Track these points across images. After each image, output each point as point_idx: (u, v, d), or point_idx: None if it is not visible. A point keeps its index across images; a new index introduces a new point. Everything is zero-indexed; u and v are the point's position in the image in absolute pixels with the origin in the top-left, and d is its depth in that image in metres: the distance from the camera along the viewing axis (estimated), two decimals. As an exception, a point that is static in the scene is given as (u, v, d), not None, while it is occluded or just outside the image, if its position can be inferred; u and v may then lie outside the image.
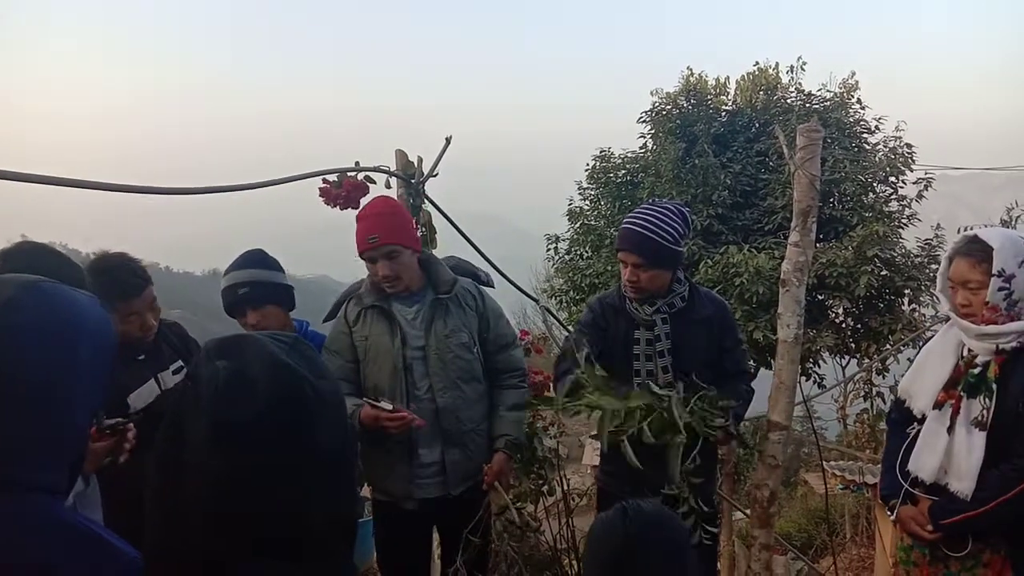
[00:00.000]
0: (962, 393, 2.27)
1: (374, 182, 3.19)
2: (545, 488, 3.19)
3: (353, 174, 3.14)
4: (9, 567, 1.01)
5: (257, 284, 2.76)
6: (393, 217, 2.74)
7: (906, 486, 2.38)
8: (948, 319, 2.44)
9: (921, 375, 2.45)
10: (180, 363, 2.67)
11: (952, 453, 2.26)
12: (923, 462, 2.33)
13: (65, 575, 1.04)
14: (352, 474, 1.07)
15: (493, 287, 3.07)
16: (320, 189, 3.12)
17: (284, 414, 0.92)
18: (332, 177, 3.12)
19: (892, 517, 2.45)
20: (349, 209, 3.19)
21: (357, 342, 2.74)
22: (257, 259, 2.81)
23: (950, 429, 2.26)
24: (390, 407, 2.52)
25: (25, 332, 1.06)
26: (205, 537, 0.90)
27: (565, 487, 3.18)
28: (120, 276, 2.43)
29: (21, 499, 1.04)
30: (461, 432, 2.72)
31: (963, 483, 2.22)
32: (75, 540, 1.08)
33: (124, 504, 2.15)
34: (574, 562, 3.08)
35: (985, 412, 2.20)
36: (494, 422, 2.83)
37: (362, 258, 2.71)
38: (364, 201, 3.20)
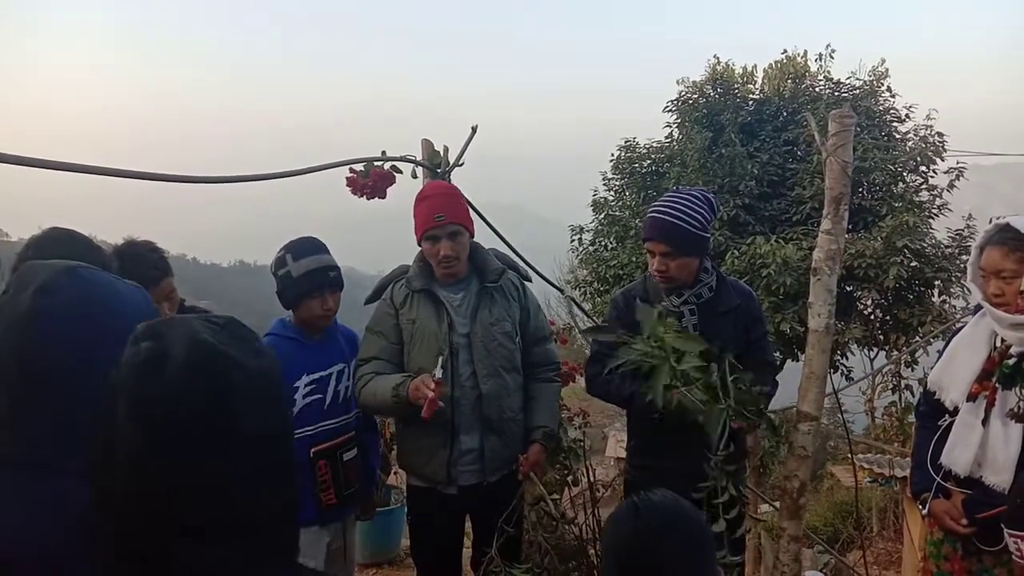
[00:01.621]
0: (997, 384, 2.23)
1: (400, 172, 3.19)
2: (570, 479, 3.19)
3: (379, 164, 3.14)
4: (43, 550, 1.01)
5: (339, 270, 2.81)
6: (456, 198, 2.78)
7: (938, 480, 2.35)
8: (976, 310, 2.40)
9: (952, 366, 2.40)
10: None
11: (987, 446, 2.22)
12: (957, 455, 2.29)
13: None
14: (289, 457, 1.04)
15: (531, 281, 3.08)
16: (347, 179, 3.13)
17: (201, 390, 0.91)
18: (359, 167, 3.13)
19: (924, 512, 2.41)
20: (376, 199, 3.20)
21: (403, 324, 2.74)
22: (324, 246, 2.81)
23: (985, 421, 2.22)
24: (439, 374, 2.51)
25: (57, 315, 1.06)
26: (134, 518, 0.90)
27: (591, 477, 3.17)
28: (137, 264, 2.45)
29: (55, 482, 1.05)
30: (502, 420, 2.73)
31: (999, 476, 2.18)
32: None
33: None
34: (600, 553, 3.07)
35: (1021, 403, 2.16)
36: (531, 413, 2.85)
37: (423, 238, 2.71)
38: (390, 192, 3.21)
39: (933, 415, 2.46)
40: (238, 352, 0.96)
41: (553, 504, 2.87)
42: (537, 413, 2.85)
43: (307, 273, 2.69)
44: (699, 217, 2.61)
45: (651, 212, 2.67)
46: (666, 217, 2.60)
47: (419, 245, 2.76)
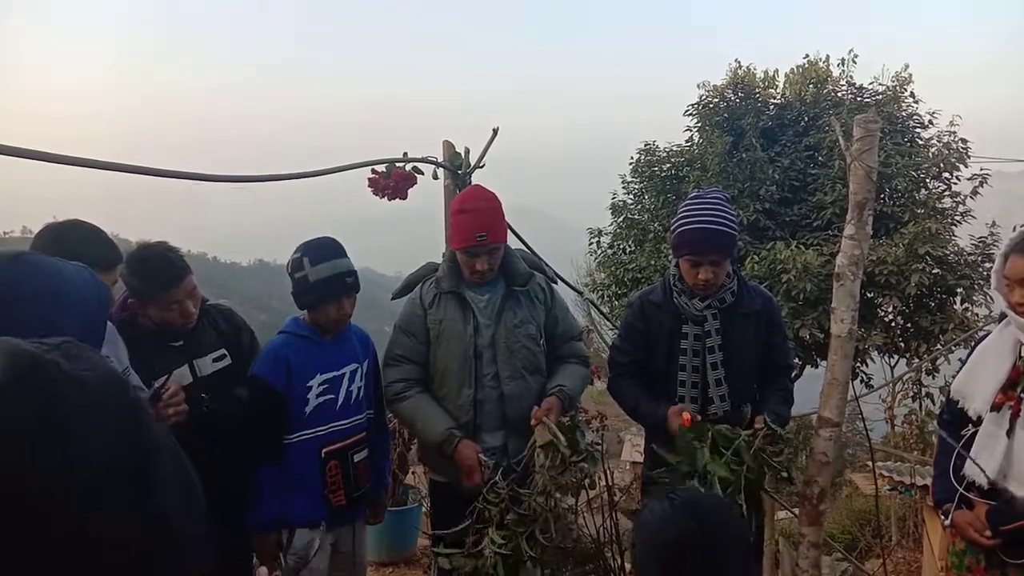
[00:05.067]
0: (1022, 395, 2.20)
1: (422, 173, 3.21)
2: (587, 481, 3.17)
3: (401, 165, 3.15)
4: None
5: (356, 274, 2.77)
6: (497, 212, 2.76)
7: (961, 490, 2.32)
8: (1001, 318, 2.37)
9: (976, 376, 2.37)
10: (223, 351, 2.70)
11: (1012, 457, 2.18)
12: (981, 466, 2.25)
13: None
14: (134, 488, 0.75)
15: (557, 283, 3.08)
16: (369, 180, 3.15)
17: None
18: (381, 168, 3.14)
19: (947, 523, 2.38)
20: (397, 200, 3.22)
21: (430, 325, 2.79)
22: (342, 249, 2.78)
23: (1009, 432, 2.19)
24: (491, 464, 2.62)
25: (1, 302, 1.12)
26: None
27: (610, 480, 3.15)
28: (159, 266, 2.47)
29: None
30: (525, 420, 2.72)
31: None
32: None
33: None
34: (617, 556, 3.06)
35: None
36: (551, 377, 2.85)
37: (461, 251, 2.72)
38: (410, 192, 3.22)
39: (956, 424, 2.42)
40: (69, 364, 0.75)
41: (566, 445, 2.82)
42: (557, 376, 2.84)
43: (324, 279, 2.66)
44: (734, 218, 2.64)
45: (699, 224, 2.60)
46: (718, 227, 2.58)
47: (447, 247, 2.79)
